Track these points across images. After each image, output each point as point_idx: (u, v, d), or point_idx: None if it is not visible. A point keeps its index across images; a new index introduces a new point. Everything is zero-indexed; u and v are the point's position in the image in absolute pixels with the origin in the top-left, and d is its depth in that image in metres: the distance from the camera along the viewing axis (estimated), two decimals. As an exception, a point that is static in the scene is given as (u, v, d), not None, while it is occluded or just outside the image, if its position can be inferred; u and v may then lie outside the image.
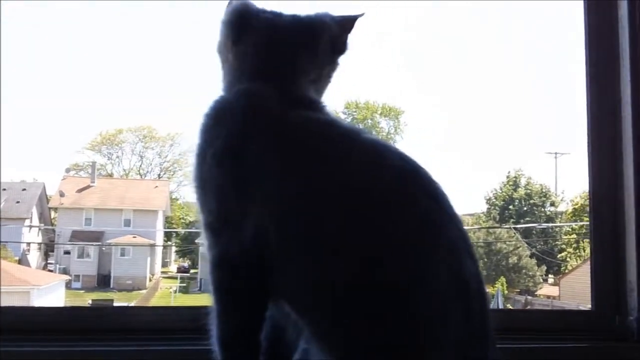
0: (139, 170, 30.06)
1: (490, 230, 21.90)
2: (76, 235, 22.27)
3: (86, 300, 17.90)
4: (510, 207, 23.77)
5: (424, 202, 1.05)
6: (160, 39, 32.74)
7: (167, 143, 29.52)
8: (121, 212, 23.17)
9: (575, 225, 22.07)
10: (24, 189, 22.97)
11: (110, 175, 28.84)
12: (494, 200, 24.53)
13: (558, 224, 23.31)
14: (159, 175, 29.66)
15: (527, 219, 22.97)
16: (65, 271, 20.72)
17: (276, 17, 1.27)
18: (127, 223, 23.08)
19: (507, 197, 24.15)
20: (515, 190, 24.22)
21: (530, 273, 21.24)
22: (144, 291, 20.65)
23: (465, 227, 1.13)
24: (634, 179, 1.62)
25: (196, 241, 22.44)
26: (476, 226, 21.24)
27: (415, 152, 1.12)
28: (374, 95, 26.93)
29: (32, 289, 14.40)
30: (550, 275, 22.64)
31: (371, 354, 1.00)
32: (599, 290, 1.66)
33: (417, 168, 1.10)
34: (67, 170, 26.91)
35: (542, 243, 22.77)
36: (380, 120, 27.04)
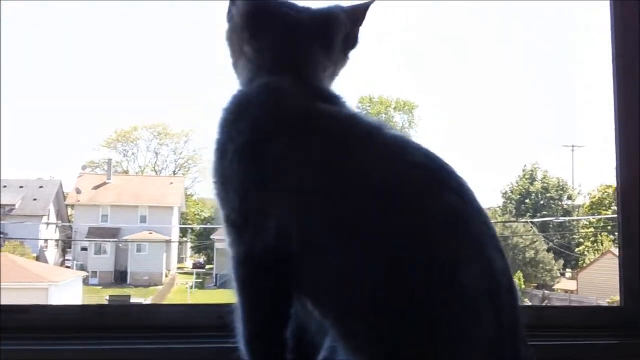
0: (154, 167, 30.28)
1: (507, 224, 21.75)
2: (93, 232, 22.49)
3: (103, 296, 18.07)
4: (527, 200, 23.62)
5: (450, 197, 1.03)
6: (175, 38, 32.88)
7: (181, 139, 29.70)
8: (137, 209, 23.34)
9: (593, 218, 21.89)
10: (41, 187, 23.21)
11: (126, 172, 29.06)
12: (510, 194, 24.39)
13: (575, 217, 23.12)
14: (174, 171, 29.84)
15: (544, 212, 22.83)
16: (82, 267, 20.97)
17: (292, 10, 1.25)
18: (143, 219, 23.25)
19: (523, 190, 23.99)
20: (531, 183, 24.06)
21: (548, 267, 21.08)
22: (160, 287, 20.81)
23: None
24: (663, 172, 1.59)
25: (211, 237, 22.56)
26: (492, 220, 21.08)
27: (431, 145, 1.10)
28: (387, 91, 26.84)
29: (49, 285, 14.56)
30: (567, 269, 22.48)
31: (399, 353, 0.97)
32: (627, 286, 1.63)
33: (441, 163, 1.08)
34: (84, 168, 27.18)
35: (559, 237, 22.58)
36: (394, 114, 26.99)
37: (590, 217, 22.21)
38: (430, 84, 30.37)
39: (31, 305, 1.40)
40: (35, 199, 22.37)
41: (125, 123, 29.33)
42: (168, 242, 23.36)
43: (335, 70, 1.29)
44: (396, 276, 0.98)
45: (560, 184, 24.24)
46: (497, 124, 33.27)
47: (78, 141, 34.84)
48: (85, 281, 18.96)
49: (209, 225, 24.49)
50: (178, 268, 24.92)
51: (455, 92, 29.71)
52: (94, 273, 21.35)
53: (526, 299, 17.31)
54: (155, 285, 21.12)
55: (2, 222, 20.64)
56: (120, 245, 22.27)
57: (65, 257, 23.37)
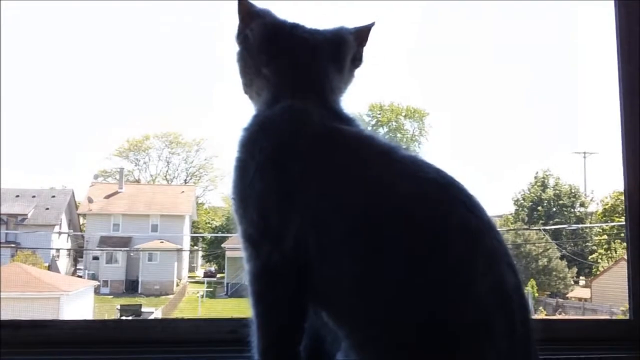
0: (165, 176, 30.47)
1: (519, 232, 21.60)
2: (104, 241, 22.59)
3: (114, 305, 18.11)
4: (539, 208, 23.45)
5: (462, 213, 1.06)
6: (189, 47, 33.06)
7: (192, 148, 29.89)
8: (148, 218, 23.45)
9: (606, 226, 21.68)
10: (53, 196, 23.38)
11: (138, 181, 29.22)
12: (522, 201, 24.22)
13: (588, 224, 22.92)
14: (185, 180, 30.01)
15: (557, 220, 22.65)
16: (94, 277, 21.04)
17: (306, 32, 1.30)
18: (155, 228, 23.34)
19: (535, 198, 23.82)
20: (543, 191, 23.88)
21: (561, 275, 20.88)
22: (171, 296, 20.83)
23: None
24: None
25: (222, 245, 22.59)
26: (504, 228, 20.97)
27: (440, 156, 1.13)
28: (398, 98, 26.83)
29: (61, 295, 14.62)
30: (581, 277, 22.25)
31: None
32: (636, 300, 1.63)
33: (452, 181, 1.12)
34: (96, 177, 27.43)
35: (572, 244, 22.39)
36: (405, 122, 26.98)
37: (604, 225, 22.00)
38: (440, 92, 30.37)
39: (50, 321, 1.43)
40: (47, 209, 22.53)
41: (137, 132, 29.57)
42: (179, 251, 23.43)
43: (345, 89, 1.33)
44: (412, 287, 1.01)
45: (573, 191, 24.04)
46: (508, 130, 33.15)
47: (90, 150, 35.09)
48: (96, 291, 19.00)
49: (220, 234, 24.55)
50: (189, 277, 24.97)
51: (466, 99, 29.69)
52: (106, 282, 21.43)
53: (540, 308, 17.16)
54: (167, 294, 21.16)
55: (14, 231, 20.82)
56: (131, 254, 22.35)
57: (77, 267, 23.49)
